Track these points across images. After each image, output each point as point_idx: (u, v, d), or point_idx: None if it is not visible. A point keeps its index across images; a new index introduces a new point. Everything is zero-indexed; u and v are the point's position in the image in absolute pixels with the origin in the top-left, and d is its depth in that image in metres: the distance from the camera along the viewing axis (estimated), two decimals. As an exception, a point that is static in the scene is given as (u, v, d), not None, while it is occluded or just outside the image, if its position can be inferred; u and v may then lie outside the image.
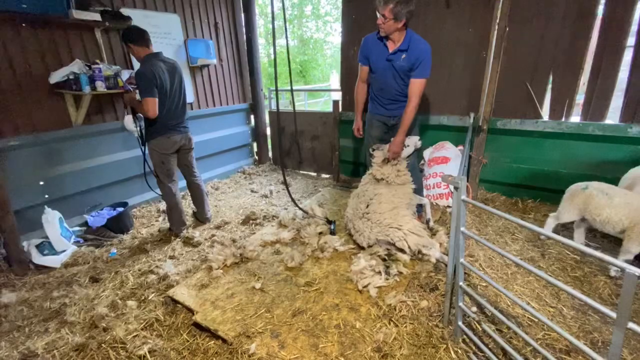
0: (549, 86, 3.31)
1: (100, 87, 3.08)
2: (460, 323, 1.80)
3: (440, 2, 3.59)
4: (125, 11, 3.42)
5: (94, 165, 3.45)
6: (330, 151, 4.74)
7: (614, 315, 1.04)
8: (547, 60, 3.24)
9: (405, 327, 1.95)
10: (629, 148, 3.01)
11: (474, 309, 2.06)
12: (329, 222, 3.09)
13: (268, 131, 5.63)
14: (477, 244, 2.75)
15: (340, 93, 4.64)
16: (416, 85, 2.63)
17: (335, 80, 15.27)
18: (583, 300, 1.13)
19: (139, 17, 3.53)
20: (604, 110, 3.14)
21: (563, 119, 3.31)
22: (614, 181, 2.72)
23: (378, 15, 2.49)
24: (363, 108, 3.14)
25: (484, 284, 2.32)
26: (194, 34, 4.31)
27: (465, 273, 2.06)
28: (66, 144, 3.23)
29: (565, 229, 2.88)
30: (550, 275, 1.65)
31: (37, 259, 2.80)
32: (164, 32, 3.93)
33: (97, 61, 3.22)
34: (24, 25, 2.85)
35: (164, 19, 3.92)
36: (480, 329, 1.89)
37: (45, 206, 3.00)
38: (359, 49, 2.85)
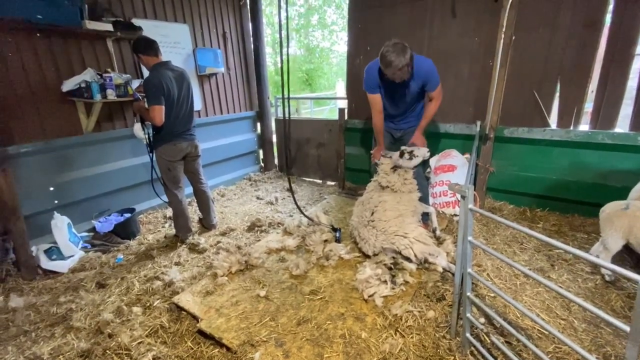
0: (557, 94, 3.29)
1: (111, 95, 3.15)
2: (468, 334, 1.76)
3: (446, 12, 3.61)
4: (136, 22, 3.51)
5: (102, 171, 3.50)
6: (336, 158, 4.75)
7: (627, 328, 1.02)
8: (555, 68, 3.23)
9: (412, 338, 1.92)
10: (639, 157, 2.96)
11: (482, 320, 2.02)
12: (335, 229, 3.08)
13: (274, 138, 5.68)
14: (484, 253, 2.71)
15: (346, 101, 4.66)
16: (435, 93, 2.78)
17: (341, 88, 15.37)
18: (595, 313, 1.11)
19: (149, 27, 3.61)
20: (613, 118, 3.10)
21: (571, 127, 3.28)
22: (624, 190, 2.67)
23: (393, 73, 2.47)
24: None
25: (492, 295, 2.27)
26: (203, 44, 4.39)
27: (472, 283, 2.03)
28: (76, 150, 3.29)
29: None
30: (560, 287, 1.62)
31: (45, 263, 2.83)
32: (174, 42, 4.01)
33: (109, 70, 3.29)
34: (38, 35, 2.94)
35: (174, 29, 4.00)
36: (488, 341, 1.85)
37: (55, 211, 3.05)
38: (365, 80, 2.79)
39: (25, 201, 2.81)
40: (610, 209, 2.33)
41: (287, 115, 3.00)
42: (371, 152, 3.11)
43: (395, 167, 2.81)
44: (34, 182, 3.00)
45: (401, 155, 2.78)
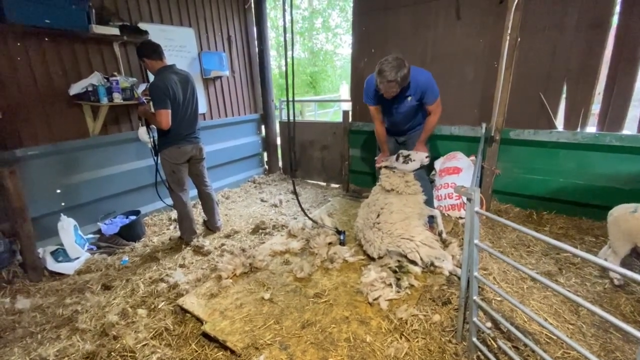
0: (563, 96, 3.26)
1: (117, 98, 3.18)
2: (474, 339, 1.74)
3: (450, 13, 3.61)
4: (142, 26, 3.54)
5: (108, 174, 3.53)
6: (340, 161, 4.74)
7: (639, 334, 0.99)
8: (561, 70, 3.20)
9: (417, 342, 1.90)
10: (648, 159, 2.92)
11: (489, 324, 1.99)
12: (339, 232, 3.07)
13: (278, 141, 5.69)
14: (491, 256, 2.69)
15: (350, 103, 4.67)
16: (433, 107, 2.78)
17: (345, 91, 15.39)
18: (604, 318, 1.09)
19: (155, 32, 3.65)
20: (621, 120, 3.06)
21: (578, 129, 3.25)
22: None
23: (380, 82, 2.49)
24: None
25: (499, 299, 2.25)
26: (208, 47, 4.43)
27: (479, 287, 2.01)
28: (83, 153, 3.32)
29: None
30: (568, 291, 1.59)
31: (52, 265, 2.85)
32: (179, 45, 4.05)
33: (115, 73, 3.33)
34: (46, 39, 2.98)
35: (180, 32, 4.04)
36: (495, 345, 1.83)
37: (61, 214, 3.07)
38: (365, 91, 2.84)
39: (32, 203, 2.83)
40: (618, 212, 2.29)
41: (291, 117, 3.01)
42: (375, 158, 3.12)
43: (392, 168, 2.81)
44: (41, 185, 3.04)
45: (397, 158, 2.77)
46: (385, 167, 2.87)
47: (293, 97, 2.88)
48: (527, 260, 2.70)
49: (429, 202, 2.95)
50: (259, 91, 5.29)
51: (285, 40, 2.67)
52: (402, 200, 2.72)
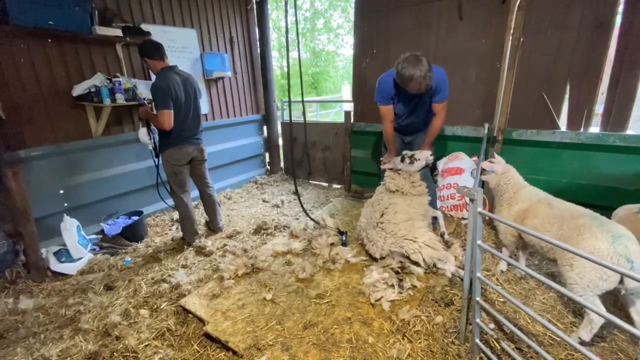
0: (567, 96, 3.24)
1: (120, 99, 3.20)
2: (477, 340, 1.73)
3: (453, 14, 3.60)
4: (145, 27, 3.55)
5: (111, 174, 3.54)
6: (342, 161, 4.74)
7: (644, 336, 0.99)
8: (564, 70, 3.18)
9: (420, 343, 1.89)
10: (652, 160, 2.89)
11: (492, 325, 1.98)
12: (341, 232, 3.06)
13: (280, 142, 5.69)
14: (493, 257, 2.67)
15: (352, 104, 4.66)
16: (441, 107, 2.76)
17: (346, 92, 15.40)
18: (608, 319, 1.08)
19: (158, 33, 3.67)
20: (625, 120, 3.04)
21: (582, 130, 3.23)
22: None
23: (418, 88, 2.47)
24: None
25: (502, 300, 2.24)
26: (210, 48, 4.44)
27: (482, 288, 2.00)
28: (86, 154, 3.34)
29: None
30: (571, 291, 1.59)
31: (55, 266, 2.86)
32: (181, 47, 4.06)
33: (118, 74, 3.35)
34: (50, 40, 3.00)
35: (182, 33, 4.05)
36: (498, 347, 1.82)
37: (64, 214, 3.09)
38: (377, 91, 2.80)
39: (35, 204, 2.84)
40: (622, 212, 2.28)
41: (292, 118, 3.00)
42: (381, 159, 3.10)
43: (396, 170, 2.80)
44: (44, 185, 3.05)
45: (402, 159, 2.76)
46: (390, 169, 2.86)
47: (302, 97, 2.87)
48: (530, 261, 2.69)
49: (432, 204, 2.94)
50: (261, 92, 5.30)
51: (287, 41, 2.68)
52: (407, 200, 2.71)
